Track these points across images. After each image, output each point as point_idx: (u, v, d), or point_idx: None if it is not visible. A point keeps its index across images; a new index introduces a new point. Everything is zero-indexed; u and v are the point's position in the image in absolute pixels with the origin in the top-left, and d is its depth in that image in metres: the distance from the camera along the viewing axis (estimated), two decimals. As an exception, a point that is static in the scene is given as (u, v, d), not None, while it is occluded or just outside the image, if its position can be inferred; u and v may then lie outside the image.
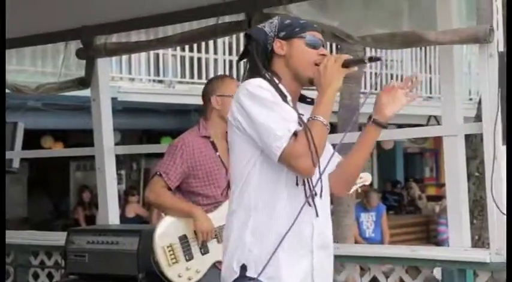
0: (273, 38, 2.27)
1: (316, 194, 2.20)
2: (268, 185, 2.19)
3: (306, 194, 2.19)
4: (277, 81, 2.24)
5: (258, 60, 2.26)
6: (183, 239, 3.42)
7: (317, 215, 2.22)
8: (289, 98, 2.23)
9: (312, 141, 2.10)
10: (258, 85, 2.19)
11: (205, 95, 3.56)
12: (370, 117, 2.29)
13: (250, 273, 2.17)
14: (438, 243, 10.12)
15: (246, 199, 2.21)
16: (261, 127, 2.14)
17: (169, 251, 3.39)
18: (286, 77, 2.27)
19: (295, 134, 2.13)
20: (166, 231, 3.44)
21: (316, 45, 2.28)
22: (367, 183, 3.63)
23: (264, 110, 2.15)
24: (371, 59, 2.22)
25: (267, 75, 2.23)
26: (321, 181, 2.21)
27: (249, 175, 2.20)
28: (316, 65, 2.23)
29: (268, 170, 2.19)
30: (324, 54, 2.26)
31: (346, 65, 2.22)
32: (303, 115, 2.20)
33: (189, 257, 3.41)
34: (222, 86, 3.51)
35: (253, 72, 2.27)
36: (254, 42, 2.29)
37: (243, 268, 2.18)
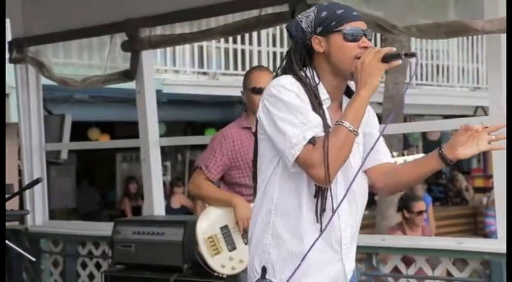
0: (310, 34, 2.15)
1: (326, 209, 2.10)
2: (290, 191, 2.12)
3: (316, 213, 2.09)
4: (317, 81, 2.15)
5: (295, 58, 2.17)
6: (225, 229, 3.44)
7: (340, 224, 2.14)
8: (325, 99, 2.15)
9: (327, 151, 2.00)
10: (283, 86, 2.10)
11: (242, 88, 3.59)
12: (440, 148, 2.13)
13: (269, 275, 2.14)
14: (486, 235, 9.96)
15: (269, 199, 2.15)
16: (279, 131, 2.07)
17: (211, 241, 3.42)
18: (328, 73, 2.16)
19: (312, 141, 2.04)
20: (208, 222, 3.46)
21: (356, 38, 2.13)
22: None
23: (283, 114, 2.06)
24: (406, 55, 2.08)
25: (304, 75, 2.15)
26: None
27: (272, 174, 2.15)
28: (358, 58, 2.11)
29: (290, 173, 2.10)
30: (365, 47, 2.13)
31: (385, 59, 2.09)
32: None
33: (231, 247, 3.43)
34: (251, 80, 3.52)
35: (287, 68, 2.18)
36: (293, 38, 2.19)
37: (264, 270, 2.15)
